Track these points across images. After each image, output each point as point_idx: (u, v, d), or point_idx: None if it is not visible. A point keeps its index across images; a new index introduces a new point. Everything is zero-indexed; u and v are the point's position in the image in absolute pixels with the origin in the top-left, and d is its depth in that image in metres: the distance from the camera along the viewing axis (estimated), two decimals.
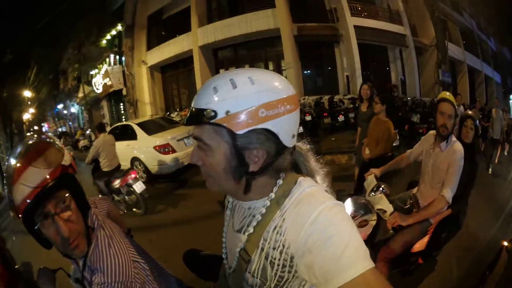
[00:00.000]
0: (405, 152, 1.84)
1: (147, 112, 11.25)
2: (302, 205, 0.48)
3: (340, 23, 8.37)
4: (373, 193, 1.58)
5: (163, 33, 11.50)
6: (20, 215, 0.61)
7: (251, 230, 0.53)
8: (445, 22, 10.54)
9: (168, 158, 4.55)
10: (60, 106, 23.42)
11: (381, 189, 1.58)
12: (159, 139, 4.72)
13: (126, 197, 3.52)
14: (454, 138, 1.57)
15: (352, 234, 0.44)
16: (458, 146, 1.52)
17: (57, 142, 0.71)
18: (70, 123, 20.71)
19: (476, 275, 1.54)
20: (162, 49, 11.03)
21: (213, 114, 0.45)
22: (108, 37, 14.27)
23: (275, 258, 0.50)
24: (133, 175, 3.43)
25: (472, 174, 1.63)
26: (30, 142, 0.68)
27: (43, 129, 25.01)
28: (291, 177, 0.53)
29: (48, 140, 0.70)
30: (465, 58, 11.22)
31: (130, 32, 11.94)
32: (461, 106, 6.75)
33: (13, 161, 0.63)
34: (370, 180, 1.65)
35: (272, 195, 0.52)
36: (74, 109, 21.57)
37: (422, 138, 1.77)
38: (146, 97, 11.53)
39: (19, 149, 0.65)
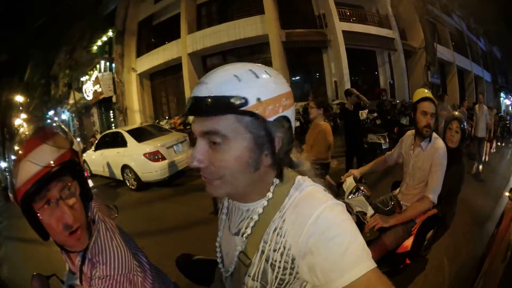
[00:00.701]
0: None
1: (136, 119, 11.19)
2: (302, 205, 0.47)
3: (329, 28, 8.39)
4: (352, 195, 1.53)
5: (152, 40, 11.44)
6: (21, 197, 0.56)
7: (250, 232, 0.52)
8: (435, 25, 10.64)
9: (158, 165, 4.58)
10: (51, 113, 23.30)
11: (360, 190, 1.52)
12: (149, 146, 4.72)
13: None
14: (435, 135, 1.51)
15: (354, 234, 0.44)
16: (440, 143, 1.45)
17: (66, 130, 0.69)
18: None
19: (469, 273, 1.55)
20: (151, 56, 10.98)
21: (243, 101, 0.43)
22: (99, 43, 14.16)
23: (276, 261, 0.49)
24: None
25: (459, 177, 1.58)
26: (44, 123, 0.67)
27: None
28: (289, 176, 0.52)
29: (58, 125, 0.68)
30: (455, 59, 11.31)
31: (120, 39, 11.87)
32: (449, 107, 6.78)
33: (23, 137, 0.59)
34: (349, 182, 1.59)
35: (270, 194, 0.51)
36: (65, 116, 21.33)
37: (400, 139, 1.71)
38: (136, 104, 11.47)
39: (32, 127, 0.62)
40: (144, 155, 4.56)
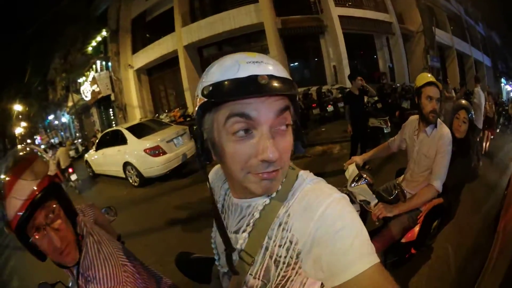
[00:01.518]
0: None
1: (136, 115, 11.13)
2: (308, 199, 0.47)
3: (324, 14, 8.27)
4: (355, 183, 1.46)
5: (147, 35, 11.38)
6: (14, 228, 0.62)
7: (251, 229, 0.50)
8: (432, 9, 10.50)
9: (159, 160, 4.53)
10: (51, 117, 22.86)
11: (363, 178, 1.45)
12: (149, 141, 4.67)
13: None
14: (439, 121, 1.44)
15: (359, 228, 0.44)
16: (445, 130, 1.39)
17: (41, 152, 0.72)
18: (62, 133, 20.47)
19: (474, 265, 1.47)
20: (147, 52, 10.91)
21: (295, 85, 0.44)
22: (94, 43, 14.16)
23: (280, 256, 0.48)
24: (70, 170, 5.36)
25: (466, 169, 1.54)
26: (16, 155, 0.69)
27: (36, 142, 24.77)
28: (291, 171, 0.51)
29: (32, 151, 0.72)
30: (453, 43, 11.18)
31: (115, 37, 11.82)
32: (453, 93, 6.64)
33: (2, 176, 0.64)
34: (352, 169, 1.52)
35: (274, 193, 0.50)
36: (65, 118, 21.36)
37: (403, 125, 1.63)
38: (135, 100, 11.38)
39: (6, 164, 0.66)
40: (145, 150, 4.52)
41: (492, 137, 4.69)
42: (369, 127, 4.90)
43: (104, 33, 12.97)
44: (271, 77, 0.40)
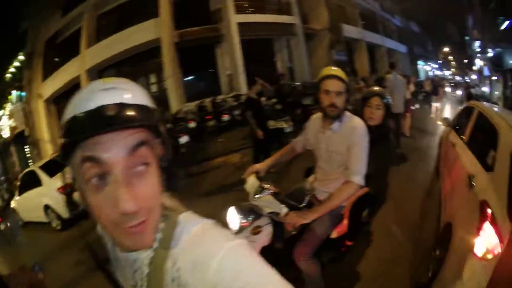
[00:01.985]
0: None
1: (48, 151, 10.13)
2: (196, 251, 0.40)
3: (223, 23, 8.30)
4: (258, 195, 1.34)
5: (56, 59, 10.37)
6: None
7: (146, 285, 0.44)
8: (343, 8, 11.17)
9: (75, 197, 4.16)
10: None
11: (265, 189, 1.34)
12: (61, 179, 4.38)
13: None
14: (348, 114, 1.35)
15: (270, 276, 0.38)
16: (356, 122, 1.32)
17: None
18: None
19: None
20: (54, 79, 10.06)
21: (155, 112, 0.41)
22: (13, 69, 13.09)
23: None
24: None
25: (387, 153, 1.49)
26: None
27: None
28: (171, 215, 0.45)
29: None
30: (363, 36, 12.00)
31: (29, 62, 10.77)
32: (362, 82, 6.97)
33: None
34: (251, 181, 1.39)
35: (156, 244, 0.43)
36: None
37: (306, 124, 1.53)
38: (46, 134, 10.50)
39: None
40: (58, 190, 4.25)
41: (409, 114, 4.74)
42: (268, 130, 4.88)
43: (21, 57, 11.59)
44: (122, 106, 0.35)
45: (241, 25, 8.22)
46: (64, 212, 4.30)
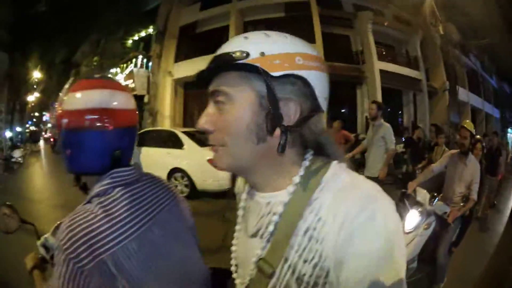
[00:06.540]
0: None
1: (165, 125, 10.46)
2: (344, 201, 0.37)
3: (367, 65, 9.20)
4: (432, 202, 2.04)
5: (194, 47, 10.90)
6: None
7: (271, 230, 0.41)
8: (454, 67, 11.53)
9: (223, 174, 4.23)
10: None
11: (436, 196, 2.06)
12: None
13: None
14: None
15: (400, 254, 0.36)
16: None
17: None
18: None
19: None
20: (191, 64, 10.43)
21: (244, 54, 0.39)
22: (136, 37, 13.99)
23: (304, 275, 0.38)
24: None
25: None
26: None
27: (44, 118, 23.90)
28: (320, 160, 0.43)
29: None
30: (469, 99, 12.29)
31: (160, 39, 11.47)
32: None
33: None
34: (423, 193, 2.11)
35: (297, 179, 0.41)
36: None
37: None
38: (167, 110, 11.01)
39: None
40: (209, 161, 4.22)
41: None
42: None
43: (150, 30, 12.42)
44: (213, 58, 0.43)
45: (381, 71, 9.14)
46: (202, 183, 4.34)
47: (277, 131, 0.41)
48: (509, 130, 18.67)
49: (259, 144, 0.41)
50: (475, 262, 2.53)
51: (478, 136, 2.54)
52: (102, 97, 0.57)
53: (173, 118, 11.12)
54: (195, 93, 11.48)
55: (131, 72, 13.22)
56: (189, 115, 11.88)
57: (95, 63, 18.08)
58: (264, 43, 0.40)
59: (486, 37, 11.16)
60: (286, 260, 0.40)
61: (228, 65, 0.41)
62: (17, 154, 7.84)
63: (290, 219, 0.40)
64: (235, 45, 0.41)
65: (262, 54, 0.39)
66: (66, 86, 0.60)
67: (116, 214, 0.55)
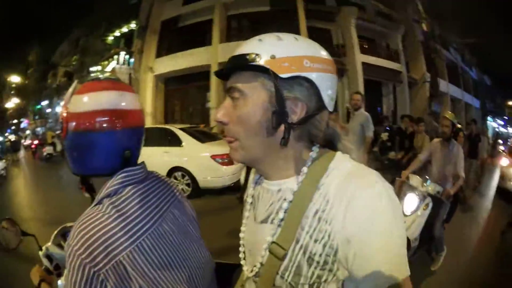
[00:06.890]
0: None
1: (147, 123, 10.74)
2: (349, 184, 0.41)
3: (348, 58, 9.31)
4: (425, 184, 2.24)
5: (176, 42, 10.73)
6: None
7: (282, 216, 0.45)
8: (433, 59, 11.85)
9: (228, 170, 4.13)
10: (44, 103, 20.78)
11: (428, 179, 2.26)
12: (217, 147, 4.22)
13: None
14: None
15: (401, 231, 0.41)
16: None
17: None
18: (52, 123, 18.32)
19: None
20: (173, 59, 10.36)
21: (256, 57, 0.43)
22: (117, 33, 13.70)
23: (315, 254, 0.42)
24: None
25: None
26: None
27: (22, 125, 22.81)
28: (326, 152, 0.48)
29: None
30: (449, 90, 12.68)
31: (142, 34, 11.21)
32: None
33: None
34: (416, 178, 2.27)
35: (305, 169, 0.46)
36: (60, 108, 20.39)
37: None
38: (148, 106, 10.72)
39: None
40: (212, 156, 4.11)
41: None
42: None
43: (133, 25, 12.19)
44: (230, 59, 0.46)
45: (363, 64, 9.25)
46: (204, 180, 4.11)
47: (282, 127, 0.45)
48: (489, 118, 19.78)
49: (268, 138, 0.45)
50: (465, 234, 3.05)
51: (459, 125, 2.66)
52: (110, 98, 0.58)
53: (154, 115, 10.88)
54: (176, 89, 11.38)
55: (113, 69, 12.89)
56: (170, 112, 11.62)
57: (74, 62, 17.49)
58: (275, 46, 0.44)
59: (471, 36, 11.57)
60: (297, 241, 0.43)
61: (243, 65, 0.45)
62: None
63: (300, 203, 0.44)
64: (249, 47, 0.45)
65: (273, 56, 0.43)
66: (70, 90, 0.61)
67: (130, 212, 0.56)
